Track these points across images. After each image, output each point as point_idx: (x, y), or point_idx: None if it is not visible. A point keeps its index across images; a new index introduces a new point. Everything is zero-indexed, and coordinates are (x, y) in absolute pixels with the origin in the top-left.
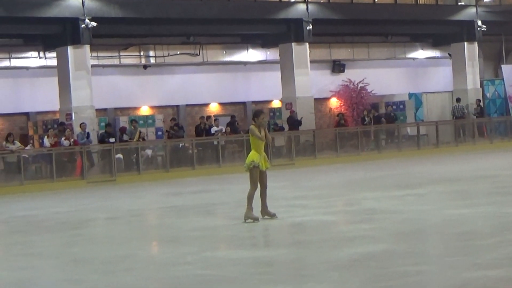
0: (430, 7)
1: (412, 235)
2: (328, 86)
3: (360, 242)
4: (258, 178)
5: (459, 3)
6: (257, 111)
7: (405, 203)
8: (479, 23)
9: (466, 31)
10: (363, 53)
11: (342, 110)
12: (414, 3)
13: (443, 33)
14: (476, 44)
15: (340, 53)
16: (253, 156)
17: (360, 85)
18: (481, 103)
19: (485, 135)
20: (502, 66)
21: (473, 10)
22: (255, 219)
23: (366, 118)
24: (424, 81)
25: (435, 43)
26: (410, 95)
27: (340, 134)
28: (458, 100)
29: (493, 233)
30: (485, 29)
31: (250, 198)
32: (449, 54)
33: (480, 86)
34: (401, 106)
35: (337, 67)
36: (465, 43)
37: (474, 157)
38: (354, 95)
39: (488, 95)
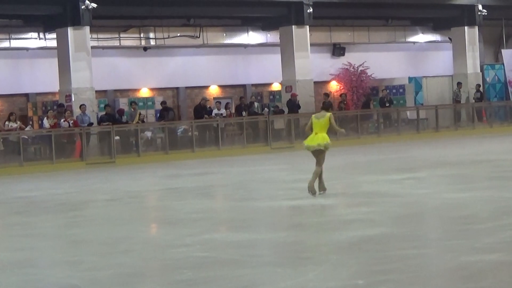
0: None
1: (411, 219)
2: (328, 69)
3: (359, 225)
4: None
5: None
6: (330, 101)
7: (404, 186)
8: (480, 7)
9: (466, 15)
10: (364, 36)
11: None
12: None
13: (444, 17)
14: (476, 28)
15: (340, 36)
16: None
17: (360, 68)
18: (481, 88)
19: (485, 119)
20: (503, 50)
21: None
22: (314, 193)
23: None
24: (424, 65)
25: (435, 27)
26: (410, 79)
27: (340, 118)
28: (458, 84)
29: (491, 217)
30: (486, 14)
31: (320, 173)
32: (449, 38)
33: (480, 71)
34: (401, 90)
35: (337, 50)
36: (466, 27)
37: (473, 142)
38: (354, 79)
39: (488, 79)
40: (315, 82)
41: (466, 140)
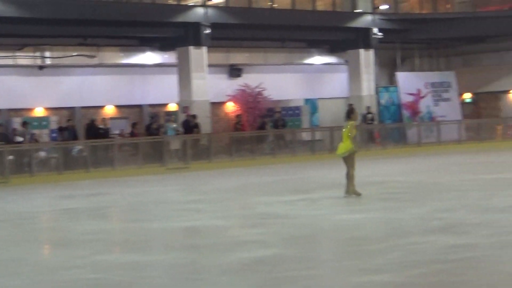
0: (327, 14)
1: (303, 240)
2: (225, 90)
3: (252, 246)
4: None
5: (356, 10)
6: (351, 108)
7: (298, 208)
8: (375, 30)
9: (362, 38)
10: (260, 58)
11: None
12: (311, 9)
13: (340, 39)
14: (372, 51)
15: (237, 57)
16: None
17: (256, 90)
18: (371, 109)
19: (378, 141)
20: (397, 73)
21: (370, 17)
22: (358, 194)
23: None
24: (320, 87)
25: (331, 49)
26: (306, 100)
27: (235, 139)
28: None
29: (382, 239)
30: (381, 37)
31: (352, 177)
32: (345, 60)
33: (375, 93)
34: (297, 111)
35: (234, 71)
36: (361, 50)
37: (367, 163)
38: (251, 100)
39: (382, 101)
40: (211, 103)
41: (360, 162)
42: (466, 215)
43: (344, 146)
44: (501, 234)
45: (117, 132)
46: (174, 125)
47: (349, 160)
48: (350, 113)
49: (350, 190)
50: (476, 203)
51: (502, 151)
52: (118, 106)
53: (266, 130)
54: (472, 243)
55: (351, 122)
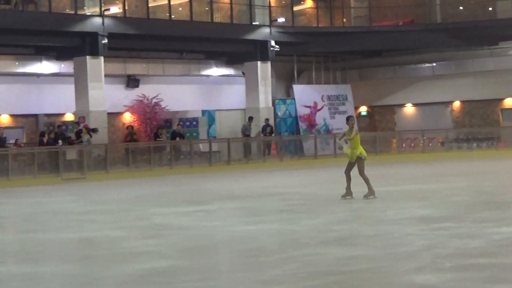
0: (225, 26)
1: (199, 251)
2: (122, 100)
3: (147, 257)
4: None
5: (254, 23)
6: (349, 116)
7: (194, 219)
8: (273, 43)
9: (259, 50)
10: (158, 68)
11: (136, 125)
12: (209, 21)
13: (238, 51)
14: (269, 63)
15: (135, 68)
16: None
17: (154, 100)
18: (269, 122)
19: (275, 153)
20: (294, 86)
21: (267, 30)
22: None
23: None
24: (217, 99)
25: (229, 61)
26: (204, 112)
27: (132, 149)
28: (250, 118)
29: (278, 250)
30: (278, 49)
31: (367, 180)
32: (242, 72)
33: (272, 105)
34: (194, 123)
35: (132, 82)
36: (259, 62)
37: (264, 175)
38: (148, 111)
39: (279, 114)
40: (108, 113)
41: (257, 173)
42: (360, 227)
43: (350, 152)
44: (394, 246)
45: (12, 141)
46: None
47: (357, 164)
48: (347, 119)
49: (370, 191)
50: (370, 215)
51: (397, 164)
52: (13, 115)
53: (163, 140)
54: (366, 254)
55: (345, 130)
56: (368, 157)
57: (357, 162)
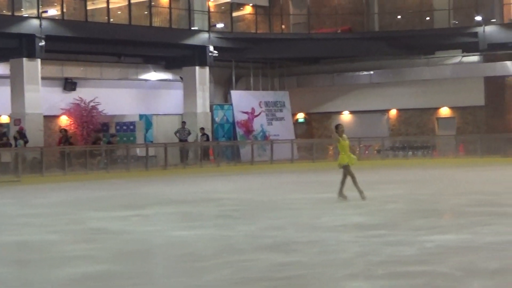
0: (164, 30)
1: (134, 256)
2: (59, 103)
3: (81, 262)
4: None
5: (192, 28)
6: (338, 124)
7: (130, 223)
8: (211, 48)
9: (198, 55)
10: (96, 72)
11: (72, 128)
12: (148, 25)
13: (176, 56)
14: (207, 68)
15: (72, 71)
16: (342, 158)
17: (91, 104)
18: (205, 130)
19: (212, 158)
20: (232, 91)
21: (206, 35)
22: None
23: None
24: (155, 103)
25: (167, 66)
26: (141, 116)
27: (68, 153)
28: (183, 123)
29: (213, 255)
30: (217, 55)
31: (356, 184)
32: (180, 77)
33: (210, 110)
34: (131, 127)
35: (69, 85)
36: (197, 67)
37: (201, 180)
38: (85, 114)
39: (217, 119)
40: (45, 116)
41: (194, 179)
42: (296, 234)
43: (339, 158)
44: (328, 252)
45: None
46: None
47: (346, 170)
48: (336, 128)
49: (361, 194)
50: (306, 221)
51: (333, 171)
52: None
53: (99, 144)
54: (301, 261)
55: (335, 135)
56: (302, 164)
57: (345, 168)
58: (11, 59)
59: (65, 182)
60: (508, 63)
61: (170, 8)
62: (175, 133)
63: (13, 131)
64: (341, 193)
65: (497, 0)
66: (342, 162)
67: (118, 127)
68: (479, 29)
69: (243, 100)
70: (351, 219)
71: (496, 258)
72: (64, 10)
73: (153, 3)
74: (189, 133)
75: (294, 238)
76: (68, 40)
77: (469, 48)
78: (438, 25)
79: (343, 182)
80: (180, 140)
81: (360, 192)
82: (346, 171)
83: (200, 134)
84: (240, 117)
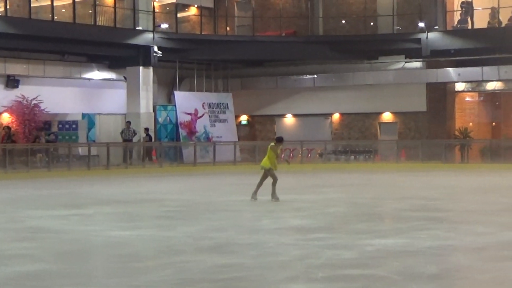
0: (108, 29)
1: (73, 255)
2: (1, 101)
3: (19, 260)
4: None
5: (137, 28)
6: (281, 137)
7: (70, 223)
8: (155, 48)
9: (142, 55)
10: (39, 70)
11: (14, 126)
12: (92, 24)
13: (120, 55)
14: (151, 69)
15: (15, 68)
16: (266, 162)
17: (33, 102)
18: (149, 131)
19: (155, 159)
20: (175, 92)
21: (150, 35)
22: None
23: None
24: (98, 102)
25: (111, 65)
26: (84, 115)
27: (9, 150)
28: (128, 123)
29: (153, 256)
30: (161, 55)
31: (274, 185)
32: (124, 77)
33: (153, 111)
34: (74, 126)
35: (11, 82)
36: (141, 67)
37: (143, 180)
38: (27, 112)
39: (160, 120)
40: None
41: (136, 179)
42: (236, 235)
43: (263, 161)
44: (268, 254)
45: None
46: None
47: (270, 173)
48: (278, 141)
49: (273, 195)
50: (246, 223)
51: (277, 173)
52: None
53: (41, 142)
54: (241, 263)
55: (273, 144)
56: (245, 166)
57: (269, 171)
58: None
59: (6, 180)
60: (450, 69)
61: (115, 7)
62: (121, 133)
63: None
64: (254, 195)
65: (440, 7)
66: (266, 166)
67: (60, 126)
68: (422, 36)
69: (186, 101)
70: (291, 222)
71: (434, 263)
72: (8, 6)
73: (98, 2)
74: (134, 133)
75: (235, 240)
76: (11, 37)
77: (412, 54)
78: (382, 30)
79: (259, 185)
80: (125, 140)
81: (274, 195)
82: (269, 173)
83: (144, 135)
84: (183, 118)
